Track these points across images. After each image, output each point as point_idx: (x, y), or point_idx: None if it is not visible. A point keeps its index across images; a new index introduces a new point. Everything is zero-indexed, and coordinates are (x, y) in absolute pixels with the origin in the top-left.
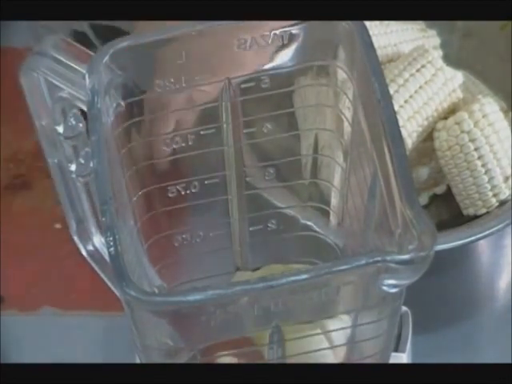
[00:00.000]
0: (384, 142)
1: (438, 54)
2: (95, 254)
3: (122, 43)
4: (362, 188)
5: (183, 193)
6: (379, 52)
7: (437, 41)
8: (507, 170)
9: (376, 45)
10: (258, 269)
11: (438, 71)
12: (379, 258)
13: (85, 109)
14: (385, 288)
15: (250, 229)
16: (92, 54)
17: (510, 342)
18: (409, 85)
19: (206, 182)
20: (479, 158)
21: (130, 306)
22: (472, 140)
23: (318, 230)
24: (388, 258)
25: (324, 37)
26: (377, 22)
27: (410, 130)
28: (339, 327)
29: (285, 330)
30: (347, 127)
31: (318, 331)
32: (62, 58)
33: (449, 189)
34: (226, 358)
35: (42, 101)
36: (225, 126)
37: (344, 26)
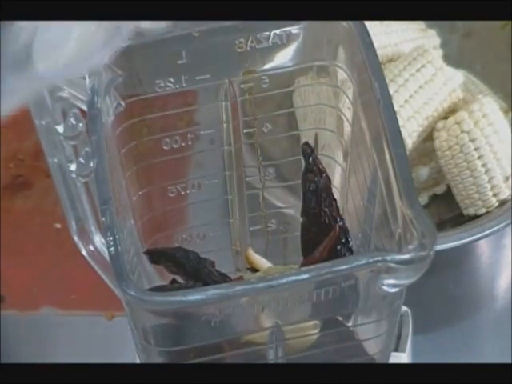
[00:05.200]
0: (384, 142)
1: (438, 53)
2: (95, 253)
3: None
4: (361, 188)
5: (183, 193)
6: (379, 52)
7: (437, 41)
8: (507, 170)
9: (376, 45)
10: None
11: (437, 71)
12: (379, 258)
13: (85, 109)
14: (385, 288)
15: (250, 229)
16: None
17: (510, 342)
18: (409, 85)
19: (206, 182)
20: (479, 157)
21: (129, 306)
22: (472, 140)
23: None
24: (388, 257)
25: (324, 37)
26: (377, 22)
27: (410, 130)
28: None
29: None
30: (347, 127)
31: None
32: None
33: (449, 189)
34: (226, 358)
35: (42, 101)
36: (225, 125)
37: (344, 25)
